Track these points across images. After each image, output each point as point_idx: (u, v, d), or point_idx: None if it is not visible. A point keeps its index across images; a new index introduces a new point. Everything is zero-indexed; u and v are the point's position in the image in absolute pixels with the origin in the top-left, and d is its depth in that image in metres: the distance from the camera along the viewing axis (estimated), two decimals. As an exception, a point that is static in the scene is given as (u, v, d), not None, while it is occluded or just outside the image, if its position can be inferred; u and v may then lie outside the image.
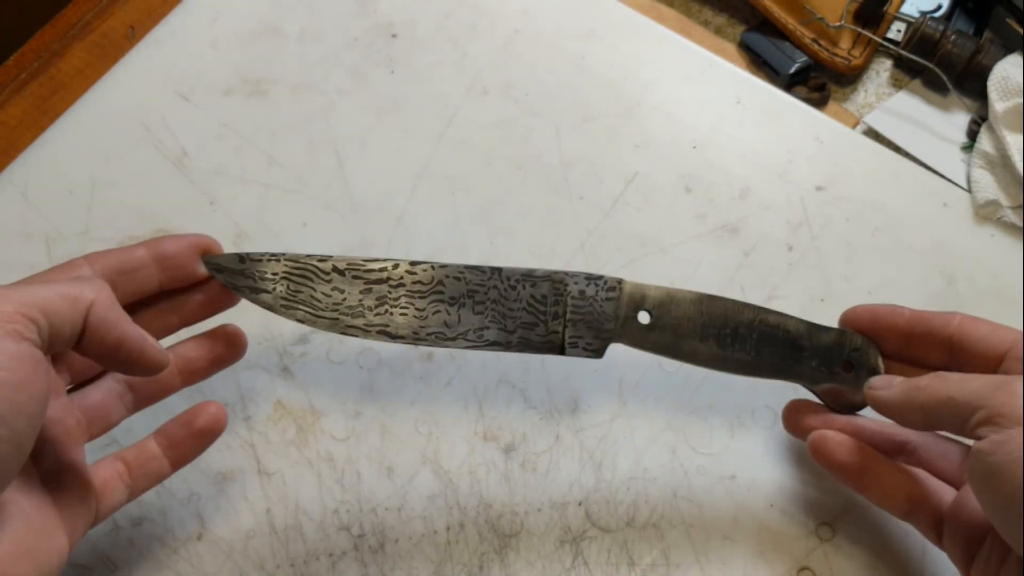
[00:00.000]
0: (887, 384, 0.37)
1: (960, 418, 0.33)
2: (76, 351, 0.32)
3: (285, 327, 0.45)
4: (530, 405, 0.44)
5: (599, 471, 0.43)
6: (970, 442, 0.39)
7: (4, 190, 0.47)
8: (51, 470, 0.33)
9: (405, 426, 0.43)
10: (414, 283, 0.38)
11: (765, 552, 0.41)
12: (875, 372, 0.39)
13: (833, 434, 0.39)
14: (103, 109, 0.49)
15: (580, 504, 0.42)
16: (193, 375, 0.38)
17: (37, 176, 0.48)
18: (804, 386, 0.40)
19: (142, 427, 0.38)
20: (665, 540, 0.41)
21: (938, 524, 0.37)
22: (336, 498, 0.42)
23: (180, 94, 0.50)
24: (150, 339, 0.33)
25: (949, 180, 0.50)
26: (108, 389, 0.36)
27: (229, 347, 0.39)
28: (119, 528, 0.41)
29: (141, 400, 0.37)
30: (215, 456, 0.42)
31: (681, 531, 0.42)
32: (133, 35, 0.53)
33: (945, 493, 0.38)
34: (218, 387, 0.43)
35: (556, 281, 0.39)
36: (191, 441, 0.37)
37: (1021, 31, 0.51)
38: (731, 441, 0.44)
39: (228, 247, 0.46)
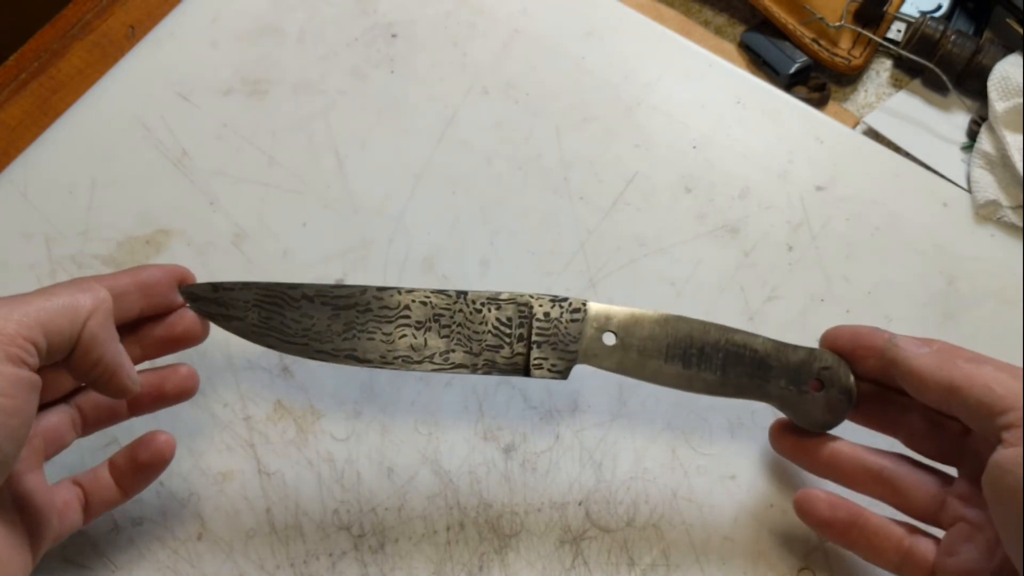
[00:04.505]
0: (918, 346, 0.36)
1: (989, 411, 0.32)
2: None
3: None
4: (530, 405, 0.44)
5: (599, 471, 0.43)
6: (952, 470, 0.38)
7: (4, 190, 0.47)
8: (20, 488, 0.34)
9: (405, 426, 0.43)
10: (381, 308, 0.38)
11: (765, 552, 0.41)
12: (847, 391, 0.39)
13: (818, 493, 0.39)
14: (103, 109, 0.49)
15: (580, 504, 0.42)
16: (140, 408, 0.38)
17: (37, 176, 0.48)
18: (774, 406, 0.40)
19: (143, 429, 0.38)
20: (665, 540, 0.41)
21: (929, 574, 0.36)
22: (336, 498, 0.42)
23: (180, 94, 0.50)
24: (127, 365, 0.34)
25: (949, 180, 0.50)
26: (63, 413, 0.37)
27: (180, 386, 0.38)
28: (119, 528, 0.41)
29: (89, 425, 0.38)
30: (215, 456, 0.42)
31: (681, 531, 0.42)
32: (133, 35, 0.53)
33: (931, 541, 0.37)
34: (219, 387, 0.43)
35: (521, 304, 0.39)
36: (137, 474, 0.37)
37: (1021, 31, 0.51)
38: (731, 441, 0.44)
39: (228, 247, 0.46)
